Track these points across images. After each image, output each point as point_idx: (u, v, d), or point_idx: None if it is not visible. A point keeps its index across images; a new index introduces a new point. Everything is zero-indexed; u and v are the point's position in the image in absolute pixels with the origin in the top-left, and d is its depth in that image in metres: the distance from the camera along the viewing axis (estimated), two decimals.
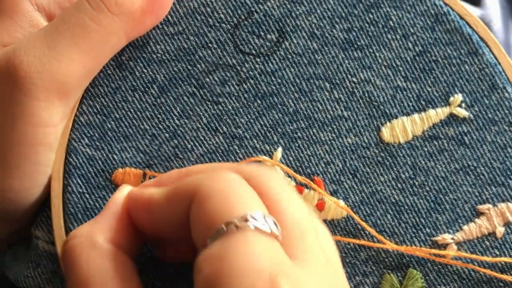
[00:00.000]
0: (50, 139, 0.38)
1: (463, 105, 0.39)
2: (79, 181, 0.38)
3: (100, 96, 0.39)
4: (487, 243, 0.39)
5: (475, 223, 0.39)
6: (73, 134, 0.38)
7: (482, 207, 0.39)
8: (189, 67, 0.39)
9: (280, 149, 0.39)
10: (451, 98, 0.39)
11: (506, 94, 0.39)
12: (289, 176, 0.39)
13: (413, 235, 0.39)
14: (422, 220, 0.39)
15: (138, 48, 0.39)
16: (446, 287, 0.38)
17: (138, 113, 0.39)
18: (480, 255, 0.38)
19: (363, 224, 0.38)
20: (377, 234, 0.38)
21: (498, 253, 0.39)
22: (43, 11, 0.39)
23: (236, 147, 0.39)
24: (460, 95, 0.39)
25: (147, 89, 0.39)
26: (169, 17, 0.39)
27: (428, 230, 0.39)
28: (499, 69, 0.39)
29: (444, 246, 0.39)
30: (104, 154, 0.39)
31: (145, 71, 0.39)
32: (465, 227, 0.39)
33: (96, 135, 0.39)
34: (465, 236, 0.39)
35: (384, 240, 0.38)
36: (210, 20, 0.39)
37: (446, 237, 0.39)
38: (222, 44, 0.39)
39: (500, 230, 0.39)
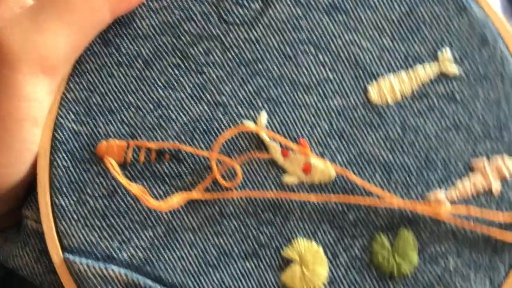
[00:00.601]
0: (35, 114, 0.38)
1: (453, 61, 0.37)
2: (64, 156, 0.38)
3: (87, 73, 0.39)
4: (483, 200, 0.37)
5: (469, 179, 0.37)
6: (60, 111, 0.38)
7: (476, 161, 0.37)
8: (174, 40, 0.39)
9: (264, 114, 0.38)
10: (439, 53, 0.37)
11: (498, 49, 0.37)
12: (274, 141, 0.37)
13: (404, 194, 0.37)
14: (413, 179, 0.37)
15: (123, 24, 0.39)
16: (440, 247, 0.36)
17: (123, 86, 0.38)
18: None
19: (360, 181, 0.37)
20: (379, 189, 0.36)
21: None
22: None
23: (220, 114, 0.38)
24: (448, 49, 0.37)
25: (132, 63, 0.38)
26: None
27: (420, 189, 0.37)
28: (489, 24, 0.38)
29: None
30: (89, 128, 0.38)
31: (131, 46, 0.39)
32: (458, 183, 0.37)
33: (82, 110, 0.38)
34: (459, 193, 0.37)
35: (388, 195, 0.36)
36: None
37: (439, 194, 0.37)
38: (206, 16, 0.39)
39: (496, 187, 0.36)
